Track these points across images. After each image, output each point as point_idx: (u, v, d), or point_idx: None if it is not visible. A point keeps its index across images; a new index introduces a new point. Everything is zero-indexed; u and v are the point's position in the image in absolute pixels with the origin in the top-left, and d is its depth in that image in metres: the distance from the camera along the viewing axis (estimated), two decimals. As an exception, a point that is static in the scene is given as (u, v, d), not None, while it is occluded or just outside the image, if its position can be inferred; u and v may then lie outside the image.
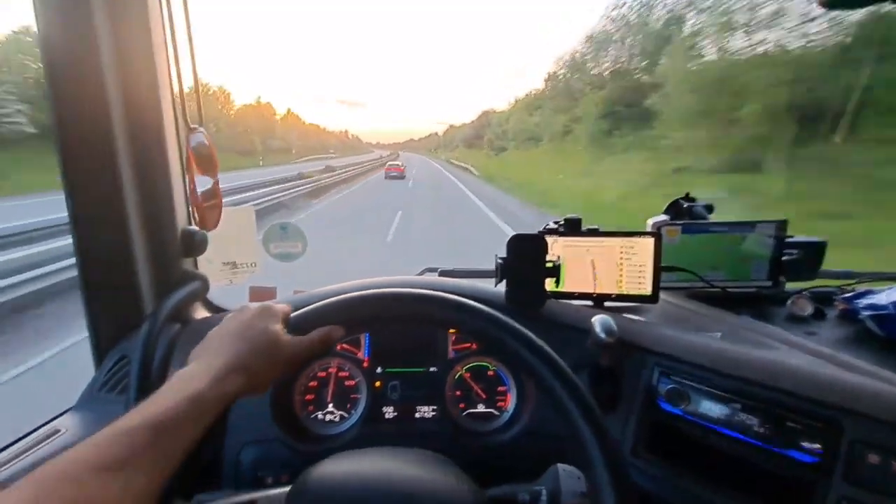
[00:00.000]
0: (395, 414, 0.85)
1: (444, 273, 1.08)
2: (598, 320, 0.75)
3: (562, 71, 46.18)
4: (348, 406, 0.86)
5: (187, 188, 0.83)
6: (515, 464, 0.79)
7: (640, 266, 0.94)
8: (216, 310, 0.94)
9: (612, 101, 27.89)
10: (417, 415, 0.86)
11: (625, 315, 0.89)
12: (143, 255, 0.81)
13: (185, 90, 0.77)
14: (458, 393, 0.88)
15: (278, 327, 0.55)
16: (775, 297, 1.02)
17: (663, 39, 26.05)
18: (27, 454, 0.64)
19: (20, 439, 0.67)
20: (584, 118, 30.39)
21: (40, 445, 0.66)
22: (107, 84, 0.70)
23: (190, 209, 0.86)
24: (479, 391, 0.88)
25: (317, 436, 0.83)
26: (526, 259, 0.83)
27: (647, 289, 0.94)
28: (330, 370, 0.87)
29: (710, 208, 1.14)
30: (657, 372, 0.76)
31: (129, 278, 0.80)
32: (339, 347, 0.87)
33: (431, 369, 0.87)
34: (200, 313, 0.91)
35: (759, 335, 0.83)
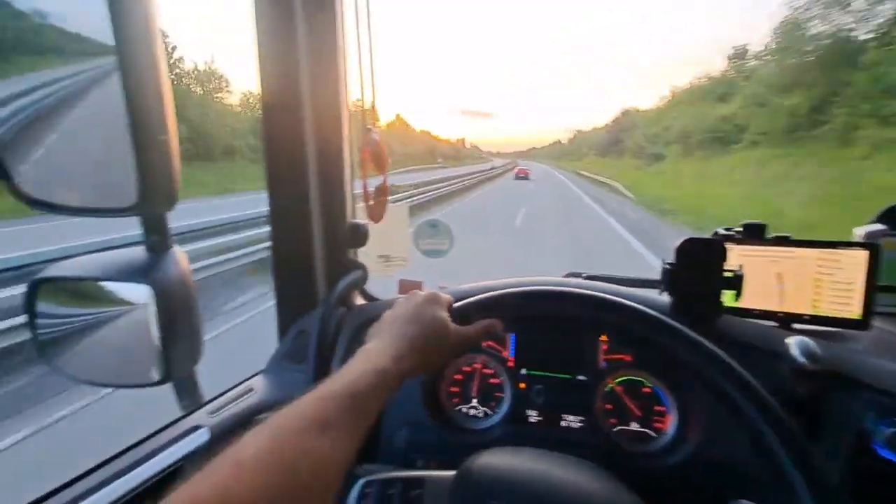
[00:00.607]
0: (540, 418, 0.83)
1: (590, 278, 1.01)
2: (797, 342, 0.64)
3: (776, 43, 28.74)
4: (492, 403, 0.86)
5: (349, 184, 0.92)
6: (679, 493, 0.71)
7: (847, 284, 0.78)
8: (370, 298, 1.01)
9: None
10: (563, 423, 0.83)
11: (824, 340, 0.74)
12: (320, 245, 0.91)
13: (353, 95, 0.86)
14: (608, 406, 0.82)
15: (445, 314, 0.59)
16: None
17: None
18: (233, 404, 0.76)
19: (226, 392, 0.80)
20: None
21: (240, 399, 0.78)
22: (303, 107, 0.82)
23: (352, 204, 0.95)
24: (634, 408, 0.82)
25: (462, 427, 0.84)
26: (699, 266, 0.74)
27: (854, 311, 0.78)
28: (475, 366, 0.88)
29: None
30: (873, 412, 0.64)
31: (309, 265, 0.90)
32: (484, 345, 0.87)
33: (579, 377, 0.84)
34: (358, 300, 0.99)
35: None
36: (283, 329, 0.93)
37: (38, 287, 0.63)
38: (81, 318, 0.69)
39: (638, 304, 0.64)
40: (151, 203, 0.52)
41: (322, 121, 0.86)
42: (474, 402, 0.87)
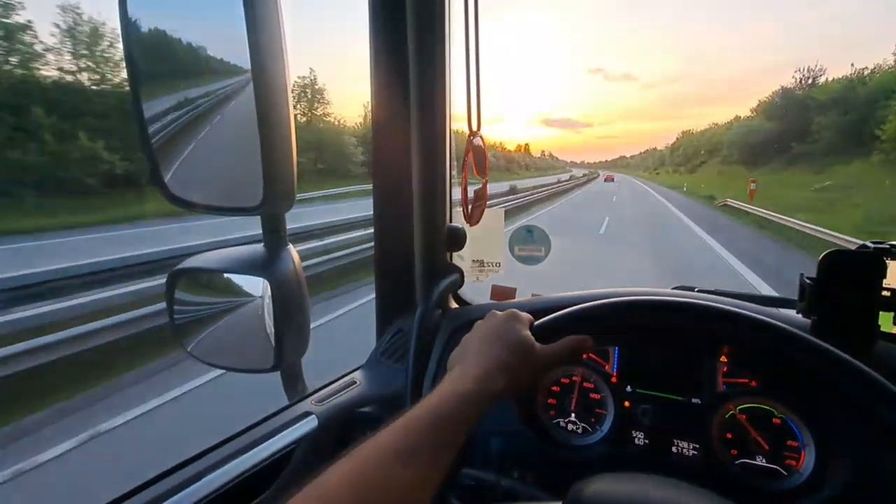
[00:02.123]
0: (647, 441, 0.77)
1: (705, 292, 0.91)
2: None
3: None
4: (592, 420, 0.82)
5: (448, 189, 0.93)
6: None
7: None
8: (462, 302, 1.02)
9: None
10: (674, 448, 0.76)
11: None
12: (420, 247, 0.94)
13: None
14: (728, 435, 0.74)
15: (528, 332, 0.58)
16: None
17: None
18: (337, 395, 0.81)
19: (331, 383, 0.86)
20: None
21: (344, 391, 0.83)
22: (410, 116, 0.86)
23: (450, 207, 0.96)
24: (761, 440, 0.72)
25: (560, 442, 0.81)
26: (850, 283, 0.64)
27: None
28: (574, 378, 0.84)
29: None
30: None
31: (409, 267, 0.94)
32: (584, 357, 0.83)
33: (693, 401, 0.76)
34: (452, 303, 1.00)
35: None
36: (381, 327, 0.98)
37: (176, 278, 0.72)
38: (208, 306, 0.78)
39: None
40: (273, 204, 0.58)
41: (426, 128, 0.89)
42: (573, 416, 0.83)
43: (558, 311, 0.64)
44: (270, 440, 0.68)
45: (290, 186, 0.57)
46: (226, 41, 0.52)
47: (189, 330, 0.77)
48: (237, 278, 0.74)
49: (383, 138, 0.89)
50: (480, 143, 0.82)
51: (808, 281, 0.69)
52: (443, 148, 0.91)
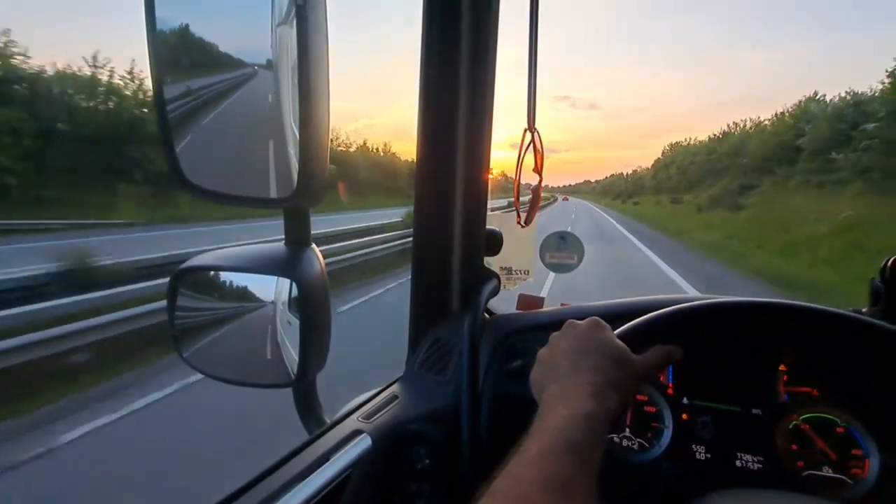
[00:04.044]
0: (708, 456, 0.74)
1: None
2: None
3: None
4: (649, 435, 0.78)
5: (487, 190, 0.90)
6: None
7: None
8: (488, 312, 0.96)
9: None
10: (738, 462, 0.73)
11: None
12: (459, 252, 0.89)
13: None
14: (793, 447, 0.73)
15: (622, 343, 0.54)
16: None
17: None
18: (384, 411, 0.75)
19: (373, 398, 0.80)
20: None
21: (390, 406, 0.77)
22: (457, 113, 0.83)
23: (486, 211, 0.93)
24: (828, 450, 0.71)
25: (617, 460, 0.77)
26: None
27: None
28: None
29: None
30: None
31: (447, 272, 0.89)
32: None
33: (754, 411, 0.75)
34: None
35: None
36: (416, 336, 0.92)
37: (181, 277, 0.65)
38: (214, 311, 0.70)
39: None
40: (306, 197, 0.53)
41: (473, 129, 0.86)
42: (627, 431, 0.79)
43: (610, 320, 0.61)
44: (326, 464, 0.62)
45: (323, 181, 0.54)
46: (263, 33, 0.50)
47: (191, 338, 0.69)
48: (249, 280, 0.66)
49: (429, 140, 0.85)
50: (538, 140, 0.77)
51: (878, 283, 0.66)
52: (487, 149, 0.88)
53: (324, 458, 0.62)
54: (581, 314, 0.86)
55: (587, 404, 0.43)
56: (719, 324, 0.72)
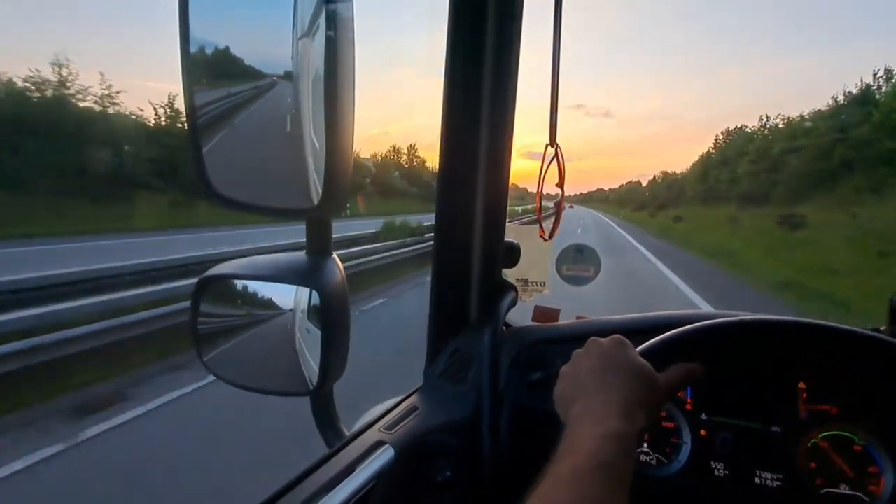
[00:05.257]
0: (727, 472, 0.74)
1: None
2: None
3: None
4: (667, 450, 0.78)
5: (507, 202, 0.91)
6: None
7: None
8: (505, 324, 0.97)
9: None
10: (756, 479, 0.73)
11: None
12: (478, 263, 0.90)
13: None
14: (812, 465, 0.73)
15: (645, 361, 0.54)
16: None
17: None
18: (405, 422, 0.76)
19: (393, 408, 0.81)
20: None
21: (411, 417, 0.78)
22: (480, 126, 0.85)
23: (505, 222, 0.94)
24: (846, 469, 0.72)
25: (634, 474, 0.76)
26: None
27: None
28: None
29: None
30: None
31: (466, 282, 0.90)
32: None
33: (773, 429, 0.75)
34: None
35: None
36: (434, 345, 0.93)
37: (206, 284, 0.67)
38: (235, 318, 0.72)
39: None
40: (330, 208, 0.55)
41: (495, 141, 0.87)
42: (645, 446, 0.79)
43: (627, 335, 0.61)
44: (351, 475, 0.62)
45: (346, 191, 0.55)
46: (285, 45, 0.51)
47: (213, 345, 0.71)
48: (270, 289, 0.68)
49: (451, 151, 0.86)
50: (560, 155, 0.79)
51: None
52: (508, 161, 0.89)
53: (348, 470, 0.63)
54: (599, 328, 0.87)
55: (617, 424, 0.43)
56: (741, 341, 0.72)
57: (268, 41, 0.53)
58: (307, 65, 0.50)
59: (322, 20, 0.48)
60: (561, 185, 0.81)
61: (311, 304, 0.64)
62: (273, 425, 2.72)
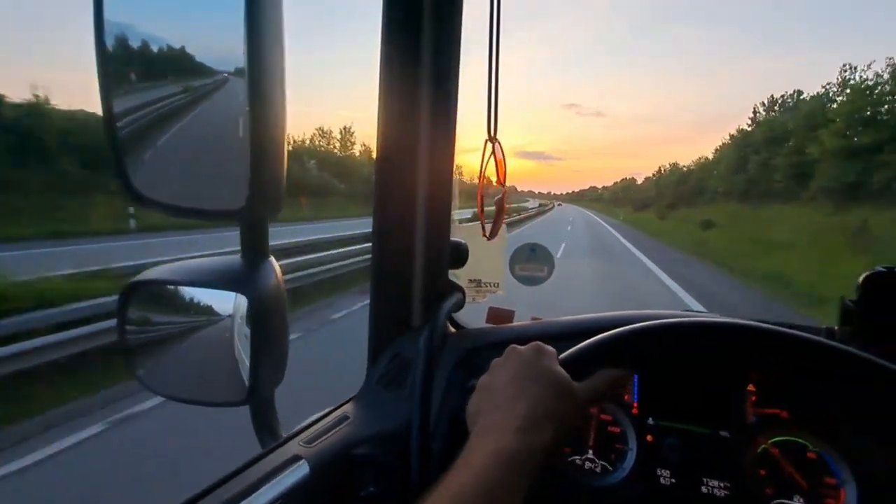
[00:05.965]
0: (674, 480, 0.72)
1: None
2: None
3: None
4: (612, 457, 0.76)
5: (452, 200, 0.89)
6: None
7: None
8: (456, 325, 0.95)
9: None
10: (703, 488, 0.70)
11: None
12: (421, 263, 0.87)
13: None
14: (762, 472, 0.70)
15: (562, 370, 0.52)
16: None
17: None
18: (330, 434, 0.72)
19: (320, 419, 0.76)
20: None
21: (336, 429, 0.73)
22: (419, 122, 0.82)
23: (449, 221, 0.91)
24: (798, 478, 0.68)
25: (578, 483, 0.75)
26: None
27: None
28: (591, 410, 0.78)
29: None
30: None
31: (408, 284, 0.87)
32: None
33: (722, 433, 0.72)
34: (449, 327, 0.93)
35: None
36: (375, 350, 0.89)
37: (132, 291, 0.63)
38: (167, 326, 0.68)
39: None
40: (259, 208, 0.52)
41: (435, 137, 0.84)
42: (590, 452, 0.77)
43: (574, 337, 0.60)
44: (255, 493, 0.57)
45: (278, 191, 0.52)
46: (216, 36, 0.49)
47: (142, 354, 0.67)
48: (207, 294, 0.65)
49: (389, 147, 0.83)
50: (500, 150, 0.77)
51: (849, 303, 0.67)
52: (450, 158, 0.86)
53: (253, 488, 0.58)
54: (548, 330, 0.85)
55: (513, 442, 0.42)
56: (675, 345, 0.68)
57: (191, 35, 0.50)
58: (235, 59, 0.47)
59: (246, 7, 0.45)
60: (502, 182, 0.80)
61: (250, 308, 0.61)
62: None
